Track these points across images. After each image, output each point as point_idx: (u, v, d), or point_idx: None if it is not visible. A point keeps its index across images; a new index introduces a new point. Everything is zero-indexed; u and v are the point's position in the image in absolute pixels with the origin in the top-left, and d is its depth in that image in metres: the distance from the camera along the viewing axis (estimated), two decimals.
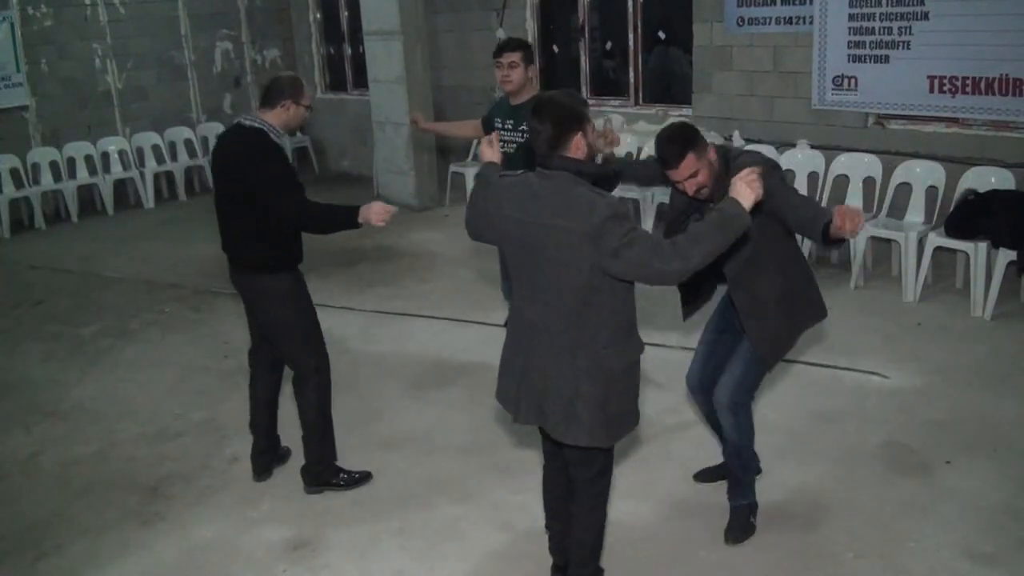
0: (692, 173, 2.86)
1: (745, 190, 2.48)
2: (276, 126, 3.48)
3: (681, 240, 2.46)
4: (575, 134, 2.57)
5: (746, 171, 2.51)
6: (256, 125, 3.47)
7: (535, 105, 2.62)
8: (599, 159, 3.40)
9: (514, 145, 4.40)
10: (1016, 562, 3.13)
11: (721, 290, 3.35)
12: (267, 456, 3.97)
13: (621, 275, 2.51)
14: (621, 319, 2.65)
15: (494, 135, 3.10)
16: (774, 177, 2.89)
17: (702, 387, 3.41)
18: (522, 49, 4.38)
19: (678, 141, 2.86)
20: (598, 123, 6.70)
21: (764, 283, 3.08)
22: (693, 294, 3.34)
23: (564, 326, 2.60)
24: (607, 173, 2.67)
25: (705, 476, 3.73)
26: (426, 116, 8.36)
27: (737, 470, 3.34)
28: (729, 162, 2.98)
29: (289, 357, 3.73)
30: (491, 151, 3.05)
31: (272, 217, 3.45)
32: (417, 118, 5.12)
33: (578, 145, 2.58)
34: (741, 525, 3.34)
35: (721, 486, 3.66)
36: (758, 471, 3.53)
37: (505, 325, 2.86)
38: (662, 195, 6.94)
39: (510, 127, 4.42)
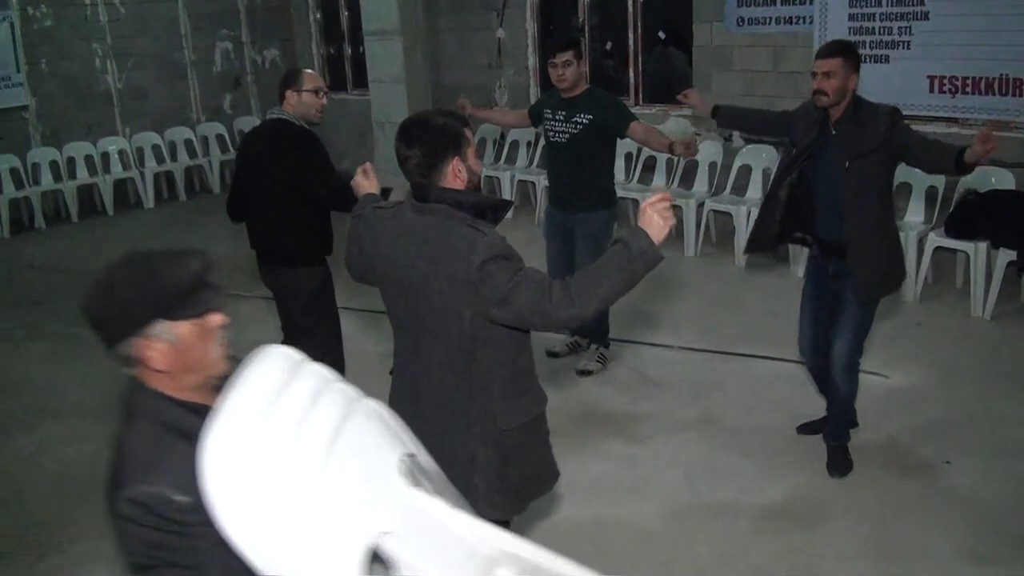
0: (828, 72, 3.28)
1: (656, 220, 2.10)
2: (294, 116, 3.63)
3: (577, 280, 2.13)
4: (450, 159, 2.22)
5: (658, 197, 2.13)
6: (281, 116, 3.63)
7: (401, 126, 2.30)
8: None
9: (566, 136, 4.50)
10: (1016, 562, 3.13)
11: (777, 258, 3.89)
12: None
13: (512, 324, 2.18)
14: (515, 371, 2.32)
15: (369, 165, 2.83)
16: (901, 120, 3.33)
17: (814, 350, 3.76)
18: (574, 47, 4.46)
19: (841, 44, 3.43)
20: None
21: (870, 215, 3.40)
22: (760, 232, 3.70)
23: (454, 382, 2.27)
24: (493, 203, 2.31)
25: (810, 429, 3.99)
26: None
27: (840, 417, 3.76)
28: (860, 106, 3.36)
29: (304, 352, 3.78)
30: (368, 182, 2.76)
31: (308, 197, 3.54)
32: (465, 103, 5.25)
33: (455, 171, 2.24)
34: (840, 460, 3.74)
35: (719, 484, 3.68)
36: (854, 424, 3.91)
37: (392, 374, 2.58)
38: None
39: (562, 118, 4.51)
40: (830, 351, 3.62)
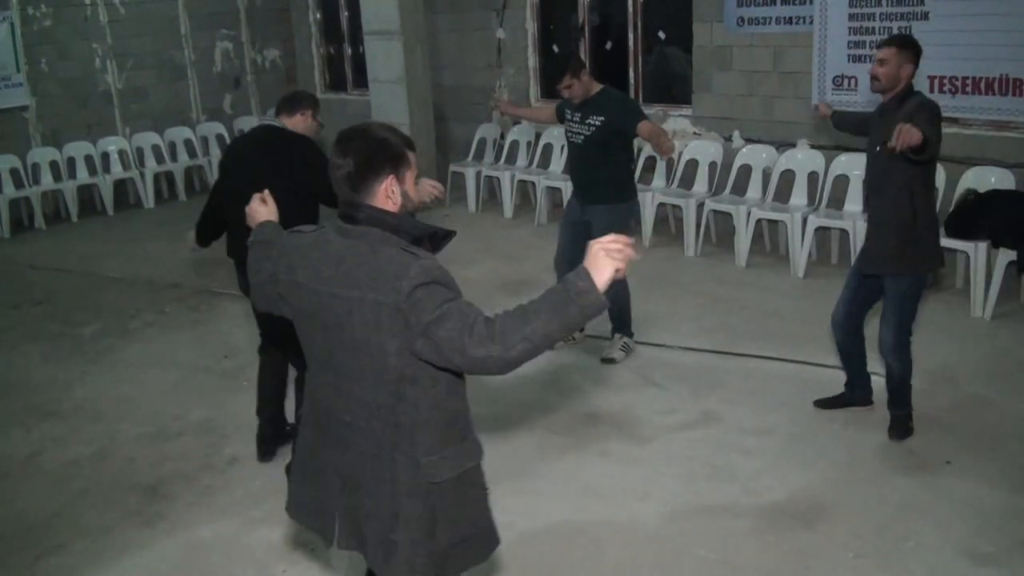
0: (882, 60, 3.61)
1: (604, 260, 1.84)
2: (294, 127, 3.75)
3: (504, 317, 1.87)
4: (384, 176, 2.01)
5: (611, 237, 1.87)
6: (277, 124, 3.75)
7: (340, 134, 2.08)
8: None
9: (581, 136, 4.73)
10: (1016, 562, 3.13)
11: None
12: (272, 442, 4.07)
13: (433, 359, 1.92)
14: (448, 416, 2.06)
15: (267, 193, 2.58)
16: (921, 113, 3.51)
17: (845, 324, 4.01)
18: (568, 70, 4.60)
19: (899, 36, 3.78)
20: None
21: (891, 197, 3.66)
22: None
23: (378, 426, 2.03)
24: (434, 232, 2.06)
25: (826, 404, 4.22)
26: (425, 116, 8.40)
27: (899, 390, 3.95)
28: (908, 97, 3.62)
29: (292, 353, 3.74)
30: (265, 209, 2.50)
31: (312, 194, 3.59)
32: (501, 103, 5.32)
33: (388, 191, 2.02)
34: (902, 427, 3.97)
35: (720, 484, 3.68)
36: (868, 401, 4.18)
37: (298, 421, 2.37)
38: (662, 195, 6.95)
39: (578, 119, 4.73)
40: (880, 334, 3.86)
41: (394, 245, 1.96)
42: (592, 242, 1.87)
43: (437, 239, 2.06)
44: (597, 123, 4.60)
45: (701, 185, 6.96)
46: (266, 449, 4.07)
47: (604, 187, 4.72)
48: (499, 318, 1.87)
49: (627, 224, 4.86)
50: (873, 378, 4.24)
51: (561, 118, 4.95)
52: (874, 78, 3.66)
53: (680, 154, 7.07)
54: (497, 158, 8.45)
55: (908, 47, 3.63)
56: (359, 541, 2.13)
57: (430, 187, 3.16)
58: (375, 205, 2.02)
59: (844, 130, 4.40)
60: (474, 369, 1.90)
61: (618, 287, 4.84)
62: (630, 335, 4.99)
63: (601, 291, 1.83)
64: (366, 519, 2.10)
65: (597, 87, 4.68)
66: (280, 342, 3.80)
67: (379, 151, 2.02)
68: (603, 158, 4.68)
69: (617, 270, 1.84)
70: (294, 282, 2.10)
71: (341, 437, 2.11)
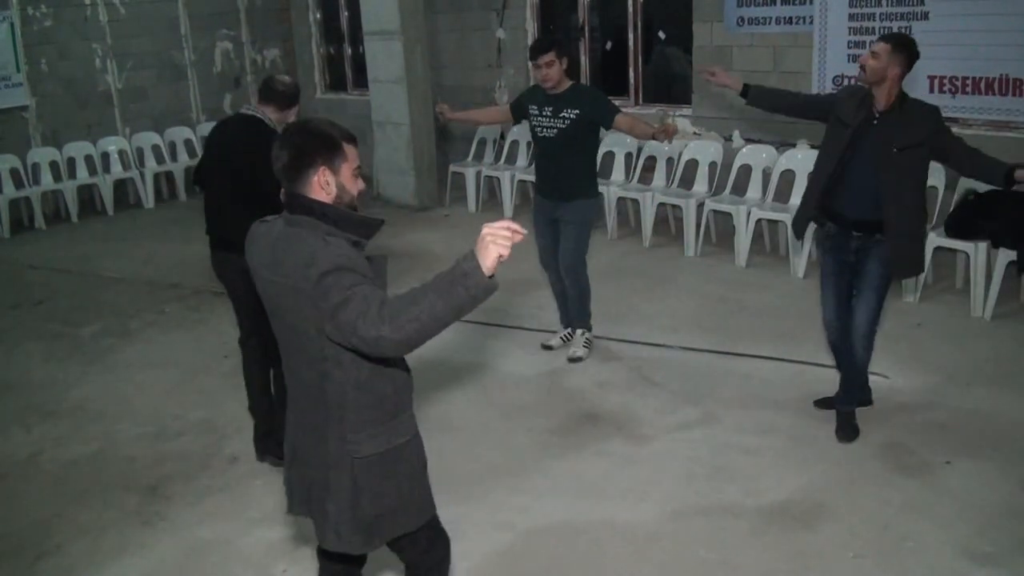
0: (875, 53, 3.58)
1: (490, 246, 1.88)
2: (275, 120, 3.84)
3: (396, 300, 1.93)
4: (317, 167, 2.11)
5: (502, 223, 1.91)
6: (257, 115, 3.83)
7: (282, 129, 2.20)
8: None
9: (554, 131, 4.70)
10: (1016, 562, 3.13)
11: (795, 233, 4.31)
12: (268, 439, 4.05)
13: (340, 342, 2.01)
14: (374, 398, 2.18)
15: None
16: (943, 122, 3.58)
17: (838, 319, 3.98)
18: (555, 48, 4.60)
19: (897, 35, 3.72)
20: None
21: (908, 203, 3.65)
22: (807, 206, 3.96)
23: (312, 402, 2.20)
24: (360, 220, 2.16)
25: (825, 404, 4.20)
26: (425, 116, 8.39)
27: (853, 382, 4.01)
28: (906, 100, 3.64)
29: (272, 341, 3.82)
30: None
31: (264, 197, 3.58)
32: (443, 109, 5.23)
33: (321, 182, 2.12)
34: (850, 426, 3.99)
35: (720, 484, 3.68)
36: (868, 402, 4.19)
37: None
38: (662, 195, 6.95)
39: (549, 114, 4.69)
40: (852, 319, 3.90)
41: (318, 233, 2.08)
42: (484, 225, 1.91)
43: (365, 227, 2.16)
44: (572, 116, 4.60)
45: (701, 185, 6.96)
46: (264, 448, 4.07)
47: (577, 182, 4.74)
48: (391, 300, 1.93)
49: (594, 219, 5.00)
50: (872, 377, 4.25)
51: (519, 115, 4.90)
52: (861, 67, 3.66)
53: (680, 154, 7.08)
54: (497, 158, 8.45)
55: (903, 49, 3.58)
56: (308, 508, 2.33)
57: None
58: (309, 195, 2.13)
59: (769, 109, 4.16)
60: (370, 349, 1.96)
61: (581, 280, 4.88)
62: (590, 328, 5.04)
63: (487, 274, 1.88)
64: (310, 488, 2.29)
65: (568, 82, 4.69)
66: (261, 330, 3.84)
67: (313, 143, 2.13)
68: (575, 152, 4.69)
69: (500, 256, 1.88)
70: (252, 267, 2.26)
71: (290, 411, 2.33)
